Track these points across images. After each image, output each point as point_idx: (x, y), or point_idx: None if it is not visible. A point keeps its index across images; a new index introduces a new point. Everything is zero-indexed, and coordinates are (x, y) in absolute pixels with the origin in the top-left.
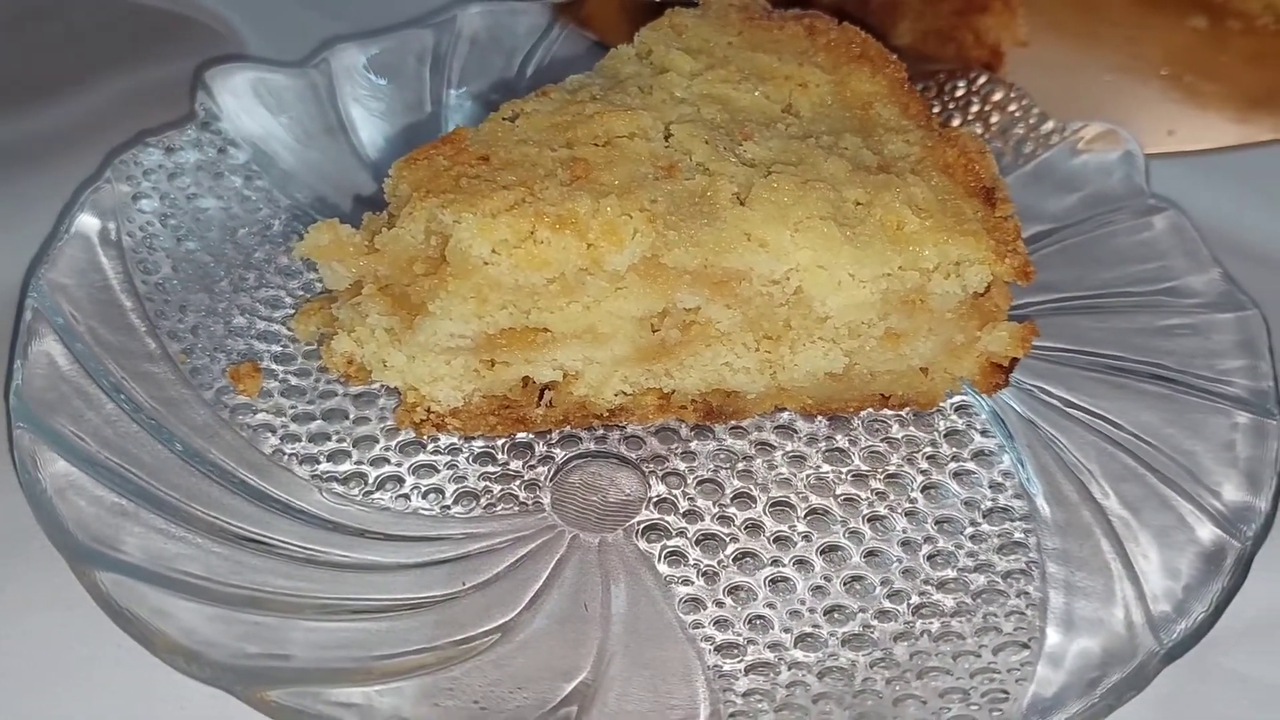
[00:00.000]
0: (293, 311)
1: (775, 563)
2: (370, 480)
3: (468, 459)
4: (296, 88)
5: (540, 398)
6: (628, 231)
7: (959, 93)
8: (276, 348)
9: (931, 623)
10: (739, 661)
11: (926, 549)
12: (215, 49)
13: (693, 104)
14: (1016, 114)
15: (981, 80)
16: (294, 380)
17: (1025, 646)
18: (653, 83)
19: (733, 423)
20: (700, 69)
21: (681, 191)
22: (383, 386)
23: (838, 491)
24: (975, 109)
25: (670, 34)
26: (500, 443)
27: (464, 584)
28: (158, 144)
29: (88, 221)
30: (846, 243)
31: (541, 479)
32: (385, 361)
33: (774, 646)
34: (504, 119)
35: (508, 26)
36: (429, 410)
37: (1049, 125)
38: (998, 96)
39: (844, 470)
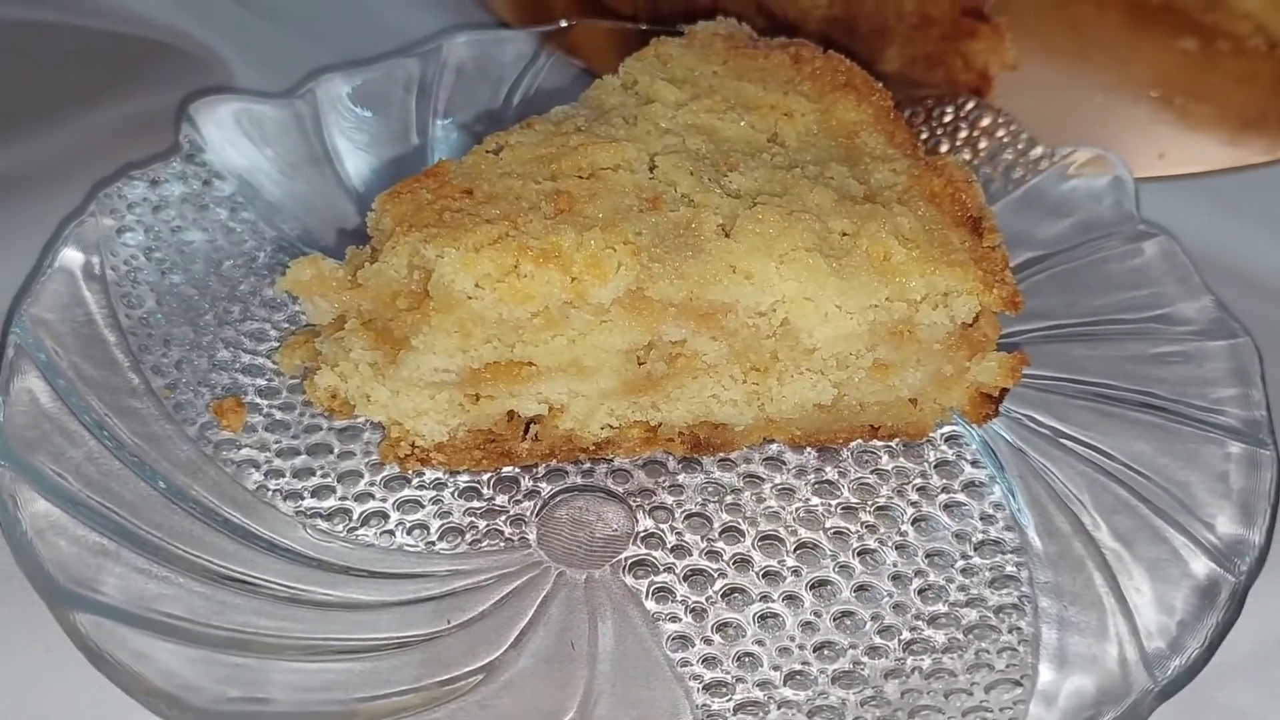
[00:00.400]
0: (277, 344)
1: (764, 598)
2: (355, 516)
3: (453, 494)
4: (281, 118)
5: (526, 431)
6: (612, 265)
7: (947, 118)
8: (261, 381)
9: (923, 659)
10: (728, 700)
11: (917, 583)
12: (201, 78)
13: (678, 134)
14: (1005, 139)
15: (970, 106)
16: (278, 415)
17: (1018, 684)
18: (637, 113)
19: (721, 455)
20: (685, 99)
21: (666, 224)
22: (367, 421)
23: (827, 525)
24: (964, 135)
25: (655, 64)
26: (486, 477)
27: (449, 622)
28: (142, 177)
29: (71, 255)
30: (832, 274)
31: (527, 514)
32: (369, 396)
33: (763, 685)
34: (488, 151)
35: (494, 55)
36: (413, 445)
37: (1038, 150)
38: (986, 122)
39: (833, 503)
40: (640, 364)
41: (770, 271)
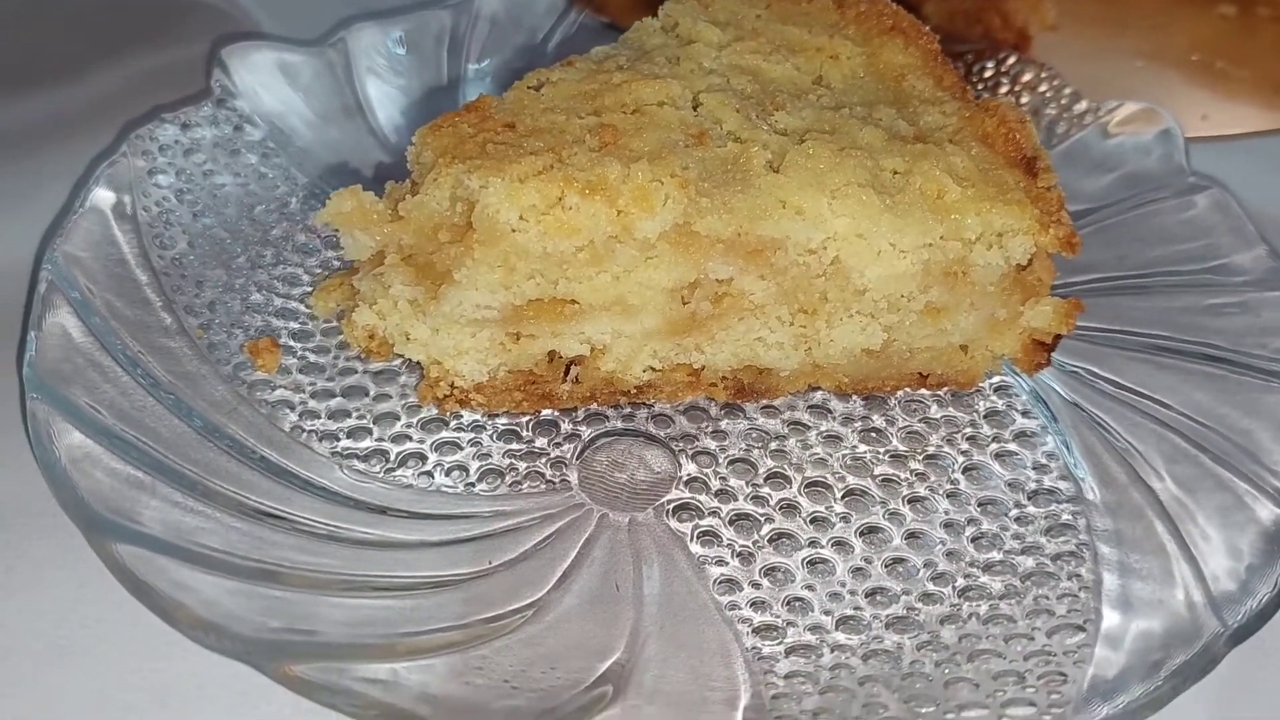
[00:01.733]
0: (310, 289)
1: (813, 544)
2: (392, 457)
3: (491, 436)
4: (314, 66)
5: (566, 373)
6: (659, 197)
7: (987, 73)
8: (294, 325)
9: (979, 605)
10: (778, 644)
11: (970, 531)
12: (227, 30)
13: (722, 74)
14: (1048, 94)
15: (1011, 61)
16: (312, 357)
17: (1080, 629)
18: (680, 54)
19: (764, 401)
20: (728, 40)
21: (713, 158)
22: (404, 363)
23: (875, 472)
24: (1004, 90)
25: (696, 7)
26: (525, 420)
27: (490, 562)
28: (174, 120)
29: (103, 195)
30: (886, 210)
31: (568, 457)
32: (408, 334)
33: (815, 629)
34: (529, 88)
35: (527, 5)
36: (452, 385)
37: (1082, 105)
38: (1028, 77)
39: (882, 451)
40: (685, 303)
41: (822, 206)
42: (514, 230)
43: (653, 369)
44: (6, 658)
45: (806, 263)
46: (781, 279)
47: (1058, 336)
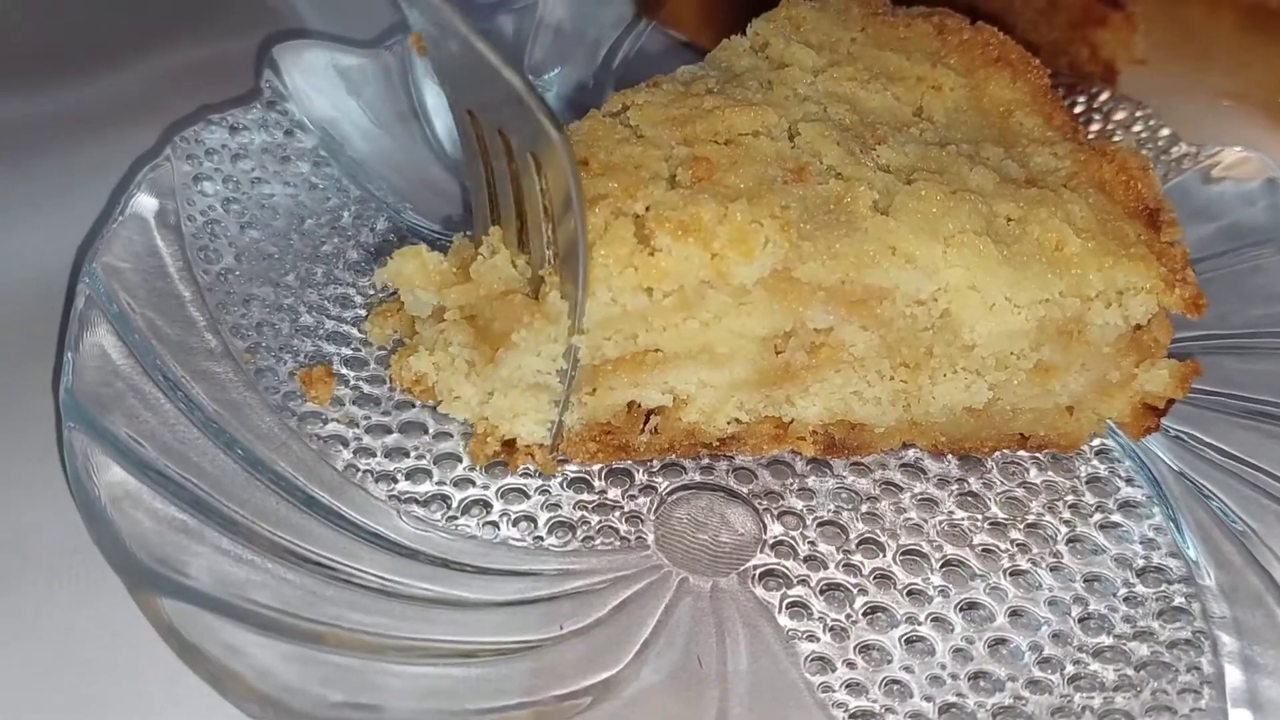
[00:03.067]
0: (364, 312)
1: (910, 619)
2: (454, 504)
3: (561, 484)
4: (369, 70)
5: (645, 423)
6: (759, 241)
7: (1078, 109)
8: (347, 351)
9: (1093, 698)
10: None
11: (1077, 610)
12: (275, 26)
13: (818, 102)
14: (1143, 135)
15: (1103, 96)
16: (366, 388)
17: None
18: (772, 78)
19: (854, 459)
20: (823, 65)
21: (814, 197)
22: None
23: (974, 541)
24: (1095, 127)
25: (787, 26)
26: (596, 468)
27: (561, 628)
28: (221, 122)
29: (145, 202)
30: (1004, 263)
31: (643, 511)
32: (453, 391)
33: (915, 716)
34: (608, 115)
35: (592, 16)
36: (503, 441)
37: (1180, 149)
38: (1121, 115)
39: (980, 518)
40: (778, 353)
41: (936, 255)
42: (600, 305)
43: (738, 421)
44: (30, 714)
45: (914, 314)
46: (885, 331)
47: (1170, 401)
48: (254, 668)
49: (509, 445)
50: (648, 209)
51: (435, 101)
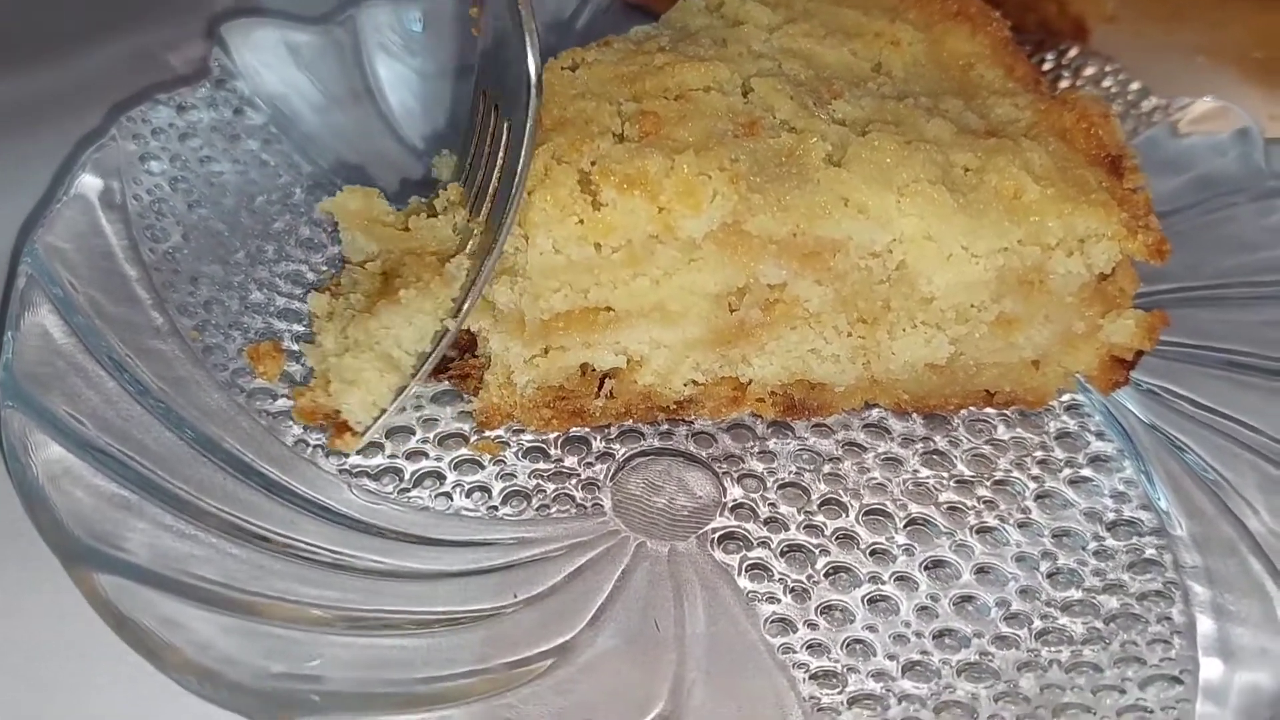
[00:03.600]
0: (316, 288)
1: (874, 579)
2: (406, 476)
3: (517, 454)
4: (319, 45)
5: (600, 387)
6: (706, 193)
7: (1046, 66)
8: (298, 327)
9: (1060, 651)
10: (839, 693)
11: (1045, 565)
12: (226, 6)
13: (773, 59)
14: (1112, 89)
15: (1072, 53)
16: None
17: (1177, 680)
18: (726, 35)
19: (816, 419)
20: (779, 22)
21: (766, 150)
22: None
23: (940, 499)
24: (1065, 84)
25: None
26: (553, 437)
27: (515, 596)
28: (168, 101)
29: (89, 182)
30: (959, 211)
31: (600, 478)
32: (320, 336)
33: (879, 675)
34: (563, 68)
35: None
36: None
37: (1150, 102)
38: (1091, 70)
39: (946, 475)
40: (732, 310)
41: (889, 205)
42: (541, 254)
43: (694, 383)
44: None
45: (869, 267)
46: (840, 285)
47: (1139, 353)
48: (193, 641)
49: (333, 418)
50: (594, 163)
51: (388, 76)
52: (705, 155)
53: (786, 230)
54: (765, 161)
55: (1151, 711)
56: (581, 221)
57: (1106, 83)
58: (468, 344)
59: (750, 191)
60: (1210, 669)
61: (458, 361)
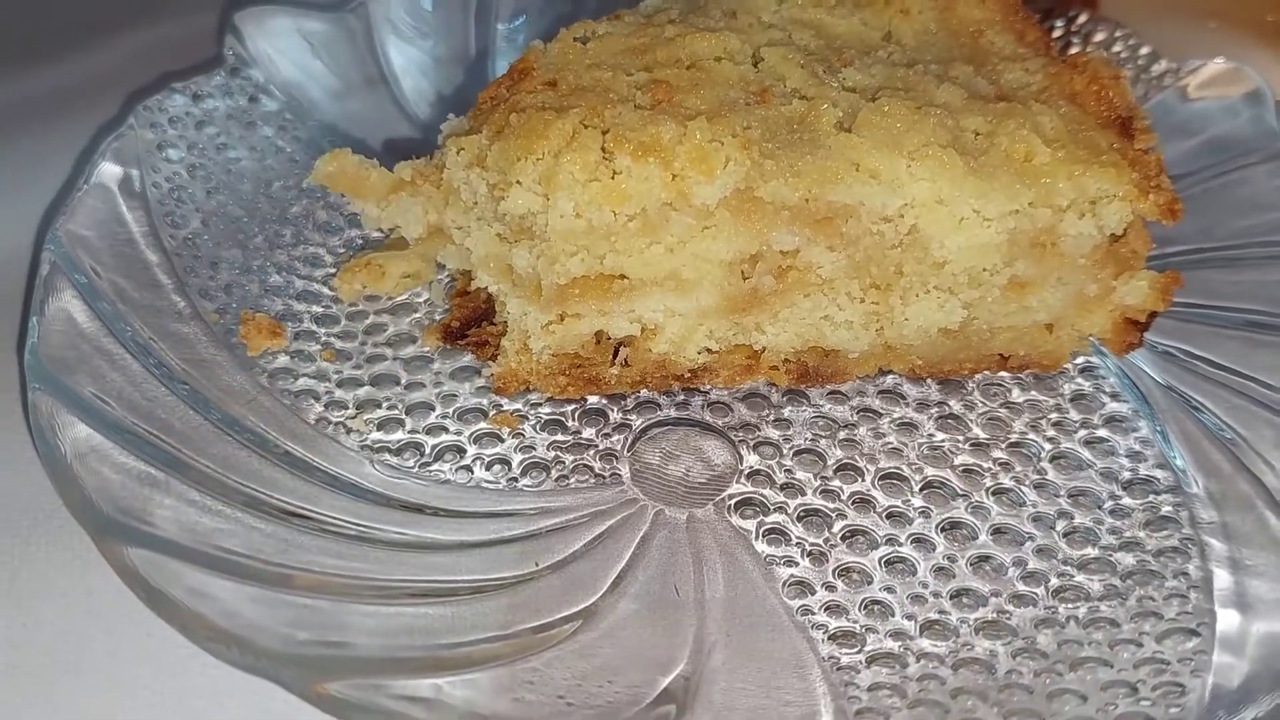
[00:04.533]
0: (334, 270)
1: (890, 541)
2: (427, 451)
3: (535, 427)
4: (332, 32)
5: (615, 355)
6: (719, 160)
7: (1056, 33)
8: (318, 309)
9: (1078, 608)
10: (858, 652)
11: (1062, 525)
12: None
13: (783, 29)
14: (1123, 54)
15: (1082, 19)
16: (338, 344)
17: (1194, 633)
18: (736, 7)
19: (830, 387)
20: None
21: (777, 117)
22: (436, 352)
23: (955, 462)
24: (1075, 50)
25: None
26: (571, 409)
27: (537, 564)
28: (184, 90)
29: (109, 170)
30: (970, 174)
31: (618, 448)
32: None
33: (897, 635)
34: (575, 39)
35: None
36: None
37: (1161, 66)
38: (1101, 36)
39: (961, 439)
40: (745, 278)
41: (900, 169)
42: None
43: (709, 350)
44: (10, 674)
45: (881, 232)
46: (853, 250)
47: (1153, 314)
48: (220, 610)
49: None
50: (607, 132)
51: (402, 62)
52: (718, 122)
53: (799, 196)
54: (777, 128)
55: (1169, 663)
56: (600, 183)
57: (1117, 48)
58: (486, 310)
59: (763, 157)
60: (1227, 621)
61: (475, 329)
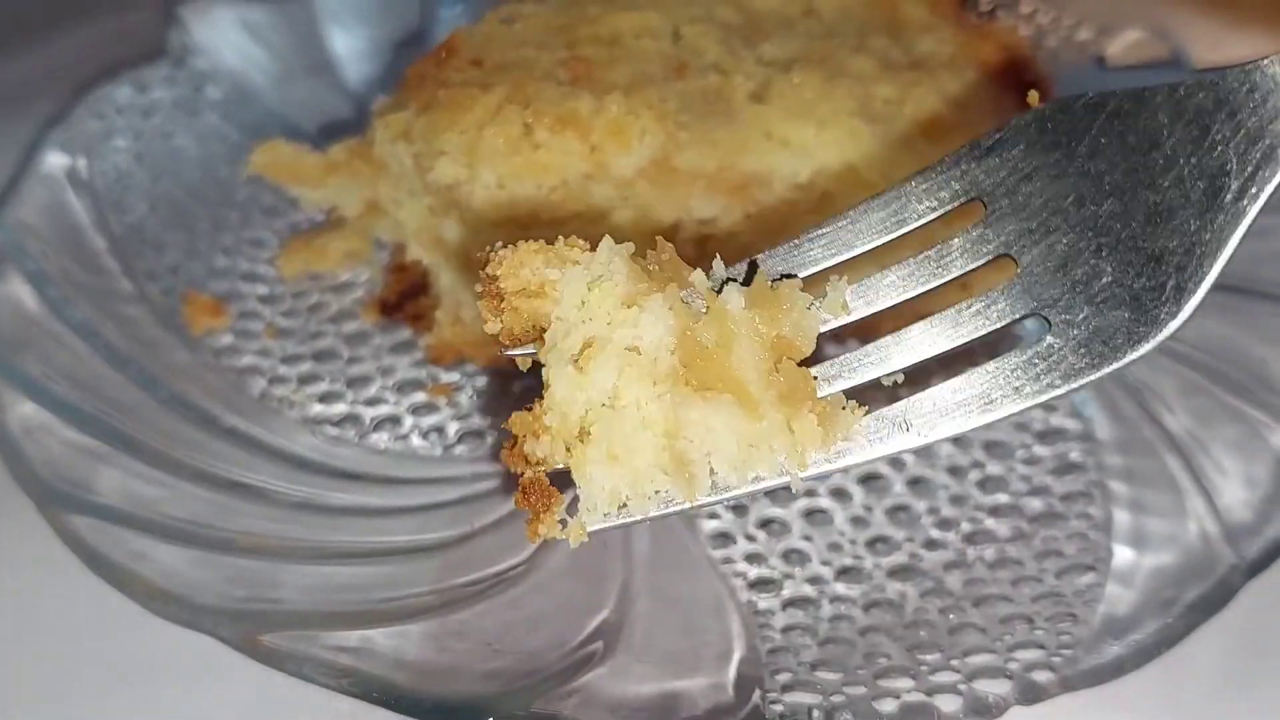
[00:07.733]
0: (278, 252)
1: (810, 494)
2: (366, 422)
3: (470, 398)
4: (275, 21)
5: None
6: (636, 131)
7: (981, 5)
8: (263, 289)
9: (986, 550)
10: (775, 597)
11: (975, 475)
12: None
13: (704, 5)
14: (1047, 25)
15: None
16: (283, 322)
17: (1091, 568)
18: None
19: None
20: None
21: (693, 91)
22: (376, 326)
23: None
24: (1000, 19)
25: None
26: (504, 381)
27: (472, 526)
28: (129, 80)
29: (56, 160)
30: (876, 139)
31: None
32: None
33: (813, 580)
34: (501, 21)
35: None
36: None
37: (1084, 34)
38: (1026, 9)
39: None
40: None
41: (808, 137)
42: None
43: None
44: None
45: (795, 199)
46: (770, 217)
47: None
48: (159, 570)
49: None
50: (527, 106)
51: (345, 50)
52: (634, 95)
53: (714, 164)
54: (693, 101)
55: (1064, 595)
56: (521, 156)
57: (1041, 18)
58: (422, 284)
59: (678, 129)
60: (1122, 556)
61: (411, 302)
